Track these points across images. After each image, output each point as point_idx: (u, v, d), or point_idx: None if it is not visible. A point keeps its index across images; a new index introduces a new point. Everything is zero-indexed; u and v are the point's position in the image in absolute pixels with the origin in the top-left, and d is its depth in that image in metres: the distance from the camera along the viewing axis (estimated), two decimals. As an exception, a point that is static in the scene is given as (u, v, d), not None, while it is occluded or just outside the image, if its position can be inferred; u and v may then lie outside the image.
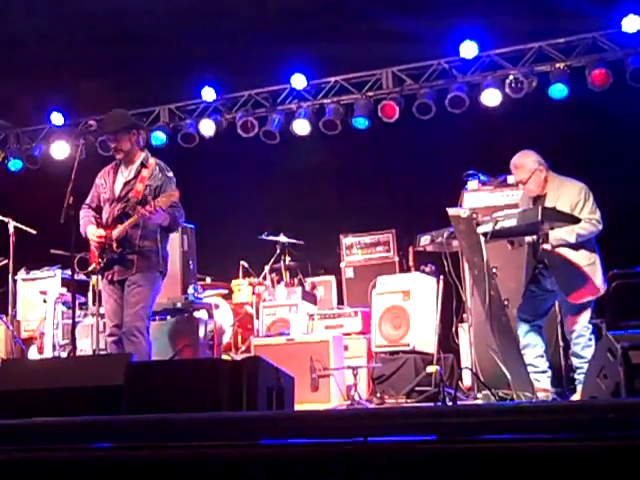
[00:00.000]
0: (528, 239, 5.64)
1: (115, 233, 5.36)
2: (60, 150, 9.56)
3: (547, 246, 5.50)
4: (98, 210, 5.63)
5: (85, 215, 5.62)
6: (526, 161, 5.63)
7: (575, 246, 5.42)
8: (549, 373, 5.65)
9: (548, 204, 5.50)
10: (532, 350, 5.59)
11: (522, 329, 5.63)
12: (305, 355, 6.54)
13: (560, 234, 5.39)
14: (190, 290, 7.20)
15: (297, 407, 4.29)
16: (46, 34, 7.51)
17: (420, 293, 7.11)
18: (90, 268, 5.52)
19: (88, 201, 5.69)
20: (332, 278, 8.66)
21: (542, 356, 5.64)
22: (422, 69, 8.55)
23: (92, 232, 5.46)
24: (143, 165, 5.52)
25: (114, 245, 5.35)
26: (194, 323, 6.99)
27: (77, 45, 7.76)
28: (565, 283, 5.51)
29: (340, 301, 8.47)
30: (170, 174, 5.56)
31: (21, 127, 10.00)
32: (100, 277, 5.55)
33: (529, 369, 5.46)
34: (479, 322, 5.97)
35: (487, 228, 5.19)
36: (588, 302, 5.48)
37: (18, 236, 7.68)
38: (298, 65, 8.63)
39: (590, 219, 5.40)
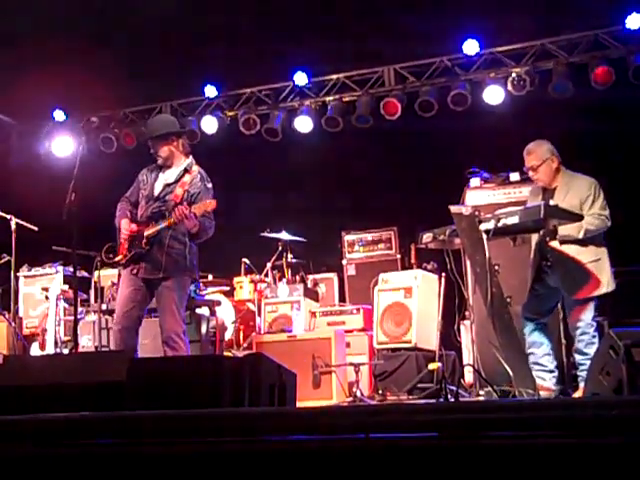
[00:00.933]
0: (535, 238, 5.63)
1: (147, 231, 5.40)
2: (62, 146, 9.56)
3: (555, 243, 5.49)
4: (136, 205, 5.67)
5: (122, 207, 5.66)
6: (539, 148, 5.64)
7: (582, 242, 5.42)
8: (555, 373, 5.63)
9: (557, 198, 5.50)
10: (538, 349, 5.58)
11: (527, 328, 5.63)
12: (307, 352, 6.54)
13: (568, 230, 5.38)
14: (192, 287, 7.20)
15: (299, 404, 4.29)
16: (48, 30, 7.50)
17: (422, 290, 7.10)
18: (117, 258, 5.53)
19: (128, 194, 5.73)
20: (334, 275, 8.66)
21: (549, 354, 5.62)
22: (424, 66, 8.55)
23: (125, 225, 5.50)
24: (186, 171, 5.57)
25: (144, 242, 5.38)
26: (196, 320, 6.99)
27: (79, 41, 7.75)
28: (568, 279, 5.50)
29: (342, 298, 8.47)
30: (209, 185, 5.60)
31: (23, 124, 10.00)
32: (122, 268, 5.55)
33: (536, 368, 5.46)
34: (481, 319, 5.96)
35: (489, 225, 5.19)
36: (591, 299, 5.46)
37: (20, 233, 7.68)
38: (300, 62, 8.63)
39: (600, 214, 5.40)
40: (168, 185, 5.55)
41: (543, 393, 5.33)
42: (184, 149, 5.69)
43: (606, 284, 5.44)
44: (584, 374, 5.20)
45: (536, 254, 5.65)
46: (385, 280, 7.39)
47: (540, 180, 5.67)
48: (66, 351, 7.37)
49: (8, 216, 7.69)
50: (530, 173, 5.71)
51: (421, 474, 1.99)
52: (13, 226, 7.62)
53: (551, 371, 5.61)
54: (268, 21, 7.71)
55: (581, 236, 5.38)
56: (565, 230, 5.39)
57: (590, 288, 5.44)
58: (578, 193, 5.48)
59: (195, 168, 5.61)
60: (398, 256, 8.39)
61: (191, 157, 5.72)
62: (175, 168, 5.59)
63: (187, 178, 5.54)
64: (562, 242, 5.47)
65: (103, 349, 6.89)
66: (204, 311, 7.27)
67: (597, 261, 5.44)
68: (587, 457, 1.87)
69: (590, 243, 5.44)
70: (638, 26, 7.48)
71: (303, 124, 8.88)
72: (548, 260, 5.58)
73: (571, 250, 5.46)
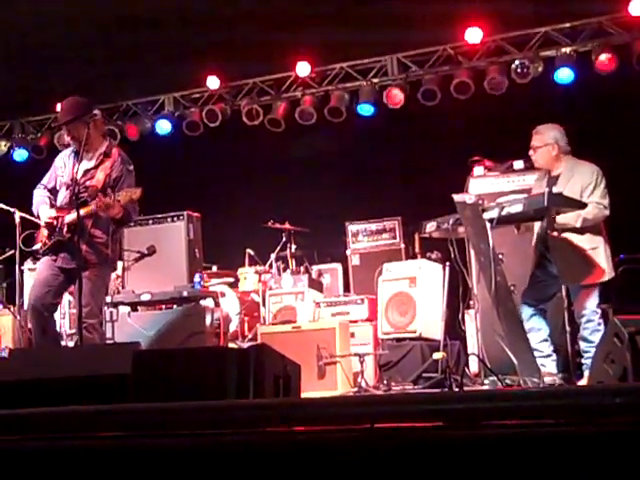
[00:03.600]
0: (537, 227, 5.62)
1: (68, 218, 5.24)
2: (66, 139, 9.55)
3: (555, 233, 5.49)
4: (53, 192, 5.52)
5: (39, 194, 5.53)
6: (546, 132, 5.65)
7: (580, 230, 5.41)
8: (554, 357, 5.65)
9: (560, 184, 5.50)
10: (536, 334, 5.59)
11: (526, 313, 5.63)
12: (311, 343, 6.55)
13: (565, 219, 5.38)
14: (196, 278, 7.20)
15: (304, 395, 4.29)
16: (48, 22, 7.49)
17: (426, 280, 7.10)
18: (35, 247, 5.41)
19: (44, 182, 5.58)
20: (338, 265, 8.66)
21: (546, 340, 5.63)
22: (427, 55, 8.52)
23: (44, 212, 5.37)
24: (106, 155, 5.39)
25: (65, 229, 5.24)
26: (200, 311, 7.00)
27: (81, 33, 7.74)
28: (566, 267, 5.50)
29: (346, 288, 8.47)
30: (131, 167, 5.44)
31: (26, 117, 10.00)
32: (42, 256, 5.41)
33: (534, 354, 5.46)
34: (485, 308, 5.96)
35: (493, 214, 5.18)
36: (594, 286, 5.46)
37: (24, 226, 7.67)
38: (302, 52, 8.61)
39: (599, 203, 5.39)
40: (88, 170, 5.34)
41: (546, 378, 5.33)
42: (100, 130, 5.51)
43: (605, 272, 5.43)
44: (589, 362, 5.21)
45: (538, 242, 5.65)
46: (389, 270, 7.38)
47: (536, 162, 5.72)
48: (71, 344, 7.38)
49: (12, 209, 7.68)
50: (530, 152, 5.73)
51: (426, 463, 1.99)
52: (17, 219, 7.61)
53: (549, 355, 5.62)
54: (270, 11, 7.68)
55: (578, 225, 5.38)
56: (563, 218, 5.39)
57: (590, 276, 5.44)
58: (580, 180, 5.48)
59: (115, 151, 5.44)
60: (402, 246, 8.38)
61: (109, 139, 5.56)
62: (94, 152, 5.38)
63: (108, 162, 5.36)
64: (559, 230, 5.46)
65: (108, 342, 6.90)
66: (208, 302, 7.28)
67: (595, 249, 5.44)
68: (591, 445, 1.87)
69: (587, 231, 5.43)
70: (641, 12, 7.45)
71: (305, 114, 8.87)
72: (548, 248, 5.58)
73: (569, 238, 5.46)
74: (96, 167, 5.37)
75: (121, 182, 5.34)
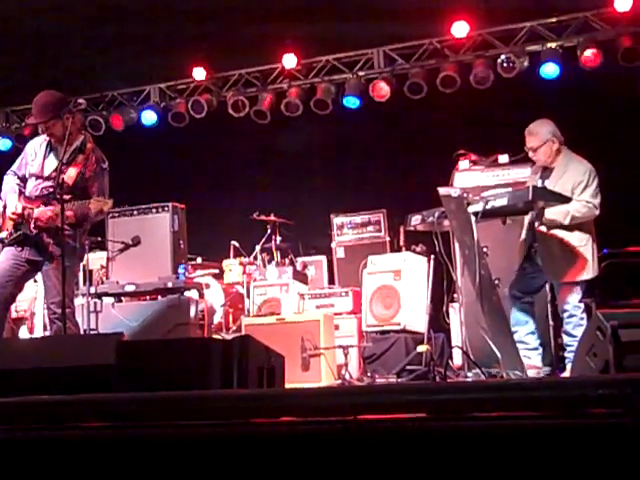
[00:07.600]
0: (527, 218, 5.64)
1: (37, 213, 5.19)
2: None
3: (543, 228, 5.51)
4: (24, 179, 5.43)
5: (9, 181, 5.44)
6: (541, 129, 5.64)
7: (568, 227, 5.44)
8: (540, 350, 5.68)
9: (553, 178, 5.54)
10: (523, 327, 5.62)
11: (513, 306, 5.66)
12: (296, 335, 6.55)
13: (554, 215, 5.40)
14: (180, 270, 7.19)
15: (288, 387, 4.29)
16: (34, 11, 7.43)
17: (411, 273, 7.11)
18: (0, 235, 5.33)
19: (15, 168, 5.49)
20: (323, 258, 8.66)
21: (533, 333, 5.66)
22: (413, 48, 8.52)
23: (11, 202, 5.30)
24: (80, 150, 5.31)
25: (31, 224, 5.20)
26: (185, 303, 6.99)
27: (67, 23, 7.68)
28: (550, 262, 5.53)
29: (331, 281, 8.48)
30: (105, 165, 5.37)
31: (10, 106, 9.93)
32: (5, 245, 5.35)
33: (520, 346, 5.48)
34: (470, 301, 5.98)
35: (478, 208, 5.19)
36: (578, 282, 5.49)
37: (7, 216, 7.62)
38: (289, 44, 8.58)
39: (588, 202, 5.41)
40: (61, 165, 5.22)
41: (530, 371, 5.37)
42: (78, 124, 5.43)
43: (590, 270, 5.46)
44: (571, 356, 5.23)
45: (528, 233, 5.67)
46: (374, 263, 7.39)
47: (539, 160, 5.70)
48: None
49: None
50: (530, 153, 5.71)
51: (410, 455, 2.00)
52: (0, 209, 7.56)
53: (535, 349, 5.65)
54: (257, 3, 7.66)
55: (567, 222, 5.40)
56: (551, 214, 5.41)
57: (573, 273, 5.47)
58: (572, 177, 5.50)
59: (89, 147, 5.35)
60: (387, 238, 8.38)
61: (86, 134, 5.49)
62: (69, 147, 5.26)
63: (80, 158, 5.28)
64: (548, 227, 5.49)
65: (92, 332, 6.89)
66: (193, 294, 7.27)
67: (582, 246, 5.47)
68: (573, 437, 1.88)
69: (576, 228, 5.46)
70: (627, 8, 7.47)
71: (292, 106, 8.85)
72: (536, 241, 5.60)
73: (557, 234, 5.48)
74: (68, 163, 5.27)
75: (93, 181, 5.28)
